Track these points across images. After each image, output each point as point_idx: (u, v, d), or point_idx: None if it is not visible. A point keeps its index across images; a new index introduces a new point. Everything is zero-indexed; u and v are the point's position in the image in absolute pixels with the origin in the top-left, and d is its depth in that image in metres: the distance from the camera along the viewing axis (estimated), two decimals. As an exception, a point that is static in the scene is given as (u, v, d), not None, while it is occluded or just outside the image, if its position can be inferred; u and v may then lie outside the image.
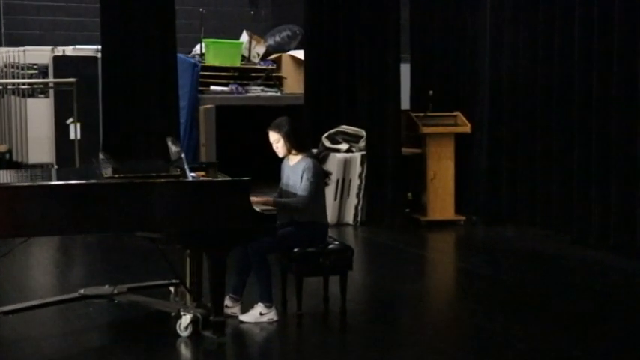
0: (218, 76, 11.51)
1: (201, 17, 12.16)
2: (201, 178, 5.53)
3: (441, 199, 9.41)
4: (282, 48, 12.46)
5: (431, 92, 9.35)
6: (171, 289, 6.14)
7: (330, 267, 5.83)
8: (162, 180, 5.22)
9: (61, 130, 11.26)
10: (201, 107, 11.01)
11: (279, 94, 11.71)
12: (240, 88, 11.55)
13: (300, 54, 12.07)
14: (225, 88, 11.47)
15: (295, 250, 5.79)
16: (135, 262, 7.31)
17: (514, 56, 9.06)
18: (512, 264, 7.94)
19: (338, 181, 9.45)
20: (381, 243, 8.83)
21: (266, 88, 11.74)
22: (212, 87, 11.37)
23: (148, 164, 6.34)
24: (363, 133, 9.61)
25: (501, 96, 9.24)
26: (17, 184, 5.15)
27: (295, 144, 5.92)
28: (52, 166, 11.43)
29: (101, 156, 5.91)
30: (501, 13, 9.19)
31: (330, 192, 9.33)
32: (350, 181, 9.54)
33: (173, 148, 5.88)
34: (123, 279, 6.20)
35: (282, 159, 6.07)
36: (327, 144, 9.66)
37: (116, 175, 5.19)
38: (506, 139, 9.22)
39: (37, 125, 11.32)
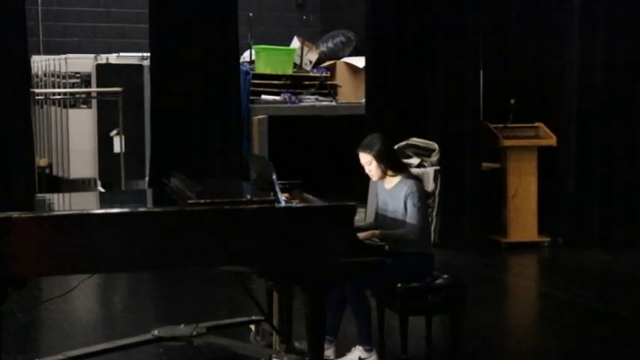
0: (269, 84, 10.79)
1: (249, 22, 11.42)
2: (300, 204, 4.76)
3: (523, 219, 8.61)
4: (335, 55, 11.75)
5: (512, 101, 8.57)
6: (252, 327, 5.39)
7: (440, 305, 5.05)
8: (256, 206, 4.45)
9: (104, 142, 10.54)
10: (254, 118, 10.27)
11: (334, 103, 10.96)
12: (293, 98, 10.81)
13: (355, 61, 11.36)
14: (277, 98, 10.74)
15: (399, 285, 5.01)
16: (212, 298, 6.55)
17: (608, 59, 8.21)
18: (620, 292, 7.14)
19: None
20: (459, 267, 8.03)
21: (320, 98, 11.00)
22: (263, 96, 10.63)
23: (223, 187, 5.57)
24: (436, 146, 8.78)
25: (592, 104, 8.40)
26: (89, 211, 4.39)
27: (391, 164, 5.17)
28: (95, 181, 10.72)
29: (176, 176, 5.17)
30: (593, 8, 8.34)
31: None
32: (422, 198, 8.73)
33: (258, 168, 5.14)
34: (199, 317, 5.43)
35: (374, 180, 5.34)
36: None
37: (202, 201, 4.42)
38: (597, 153, 8.40)
39: (79, 137, 10.60)
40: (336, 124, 11.11)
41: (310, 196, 5.20)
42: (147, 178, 10.33)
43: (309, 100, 10.87)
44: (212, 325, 5.14)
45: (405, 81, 9.11)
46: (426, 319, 5.29)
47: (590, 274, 7.80)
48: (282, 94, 10.77)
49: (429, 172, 8.79)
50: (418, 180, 5.21)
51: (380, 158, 5.14)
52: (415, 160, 8.94)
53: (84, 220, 4.27)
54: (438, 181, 8.69)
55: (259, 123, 10.35)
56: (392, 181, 5.21)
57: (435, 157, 8.95)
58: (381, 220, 5.20)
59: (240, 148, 8.38)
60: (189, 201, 4.41)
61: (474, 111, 8.59)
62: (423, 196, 5.12)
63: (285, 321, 5.05)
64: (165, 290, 7.02)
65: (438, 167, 8.83)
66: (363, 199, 9.16)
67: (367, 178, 9.20)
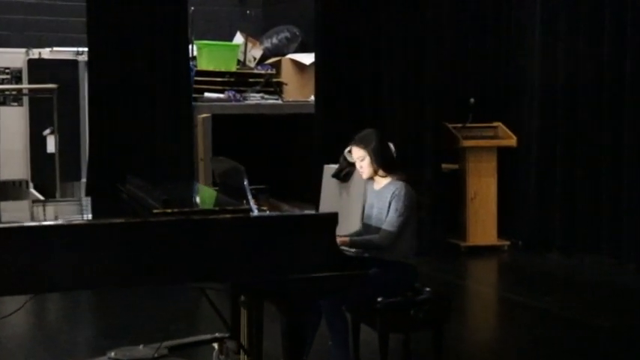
0: (213, 82, 10.29)
1: (190, 17, 10.88)
2: (276, 213, 4.32)
3: (483, 222, 8.32)
4: (280, 51, 11.29)
5: (472, 100, 8.26)
6: (215, 345, 4.94)
7: (423, 320, 4.67)
8: (229, 216, 4.01)
9: (36, 142, 9.92)
10: (198, 117, 9.76)
11: (280, 102, 10.52)
12: (237, 96, 10.33)
13: (302, 57, 10.95)
14: (221, 95, 10.25)
15: (379, 299, 4.61)
16: (166, 312, 6.05)
17: (571, 56, 7.93)
18: (586, 297, 6.88)
19: (365, 201, 8.27)
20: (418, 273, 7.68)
21: (266, 96, 10.55)
22: (206, 94, 10.13)
23: (187, 194, 5.08)
24: (392, 146, 8.45)
25: (554, 103, 8.13)
26: (39, 223, 3.89)
27: (384, 163, 4.77)
28: (27, 183, 10.09)
29: (131, 181, 4.69)
30: (555, 3, 8.05)
31: (357, 212, 8.21)
32: (378, 201, 8.37)
33: (223, 172, 4.69)
34: (155, 334, 4.95)
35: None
36: (351, 159, 8.47)
37: (168, 210, 3.95)
38: (559, 154, 8.12)
39: (10, 137, 9.96)
40: (282, 123, 10.69)
41: (280, 203, 4.79)
42: (83, 180, 9.79)
43: (255, 99, 10.40)
44: (174, 345, 4.67)
45: (358, 79, 8.75)
46: (405, 335, 4.90)
47: (552, 279, 7.56)
48: (226, 92, 10.29)
49: (385, 173, 8.51)
50: (410, 185, 4.80)
51: (375, 155, 4.74)
52: (371, 162, 8.62)
53: (32, 233, 3.77)
54: (395, 183, 8.41)
55: (203, 122, 9.84)
56: (381, 182, 4.83)
57: (391, 159, 8.65)
58: (366, 225, 4.80)
59: (192, 149, 7.87)
60: (155, 211, 3.94)
61: (434, 111, 8.24)
62: (411, 204, 4.72)
63: (255, 338, 4.60)
64: (112, 304, 6.47)
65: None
66: (311, 201, 8.80)
67: (317, 179, 8.94)
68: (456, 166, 8.39)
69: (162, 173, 7.31)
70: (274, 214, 4.24)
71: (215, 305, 4.56)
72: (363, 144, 4.80)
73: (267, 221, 4.07)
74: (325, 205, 8.84)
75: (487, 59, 8.77)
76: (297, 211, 4.31)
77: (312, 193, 8.97)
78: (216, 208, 4.04)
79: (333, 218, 4.15)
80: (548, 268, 7.96)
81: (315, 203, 8.81)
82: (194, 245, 3.93)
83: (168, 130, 7.60)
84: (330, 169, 8.74)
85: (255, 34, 11.76)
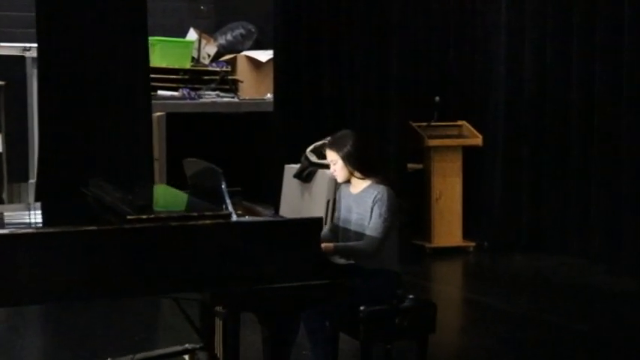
0: (166, 79, 9.99)
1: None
2: (258, 218, 4.07)
3: (448, 222, 8.16)
4: (234, 48, 11.04)
5: (437, 98, 8.09)
6: (186, 357, 4.67)
7: (408, 330, 4.45)
8: (209, 222, 3.75)
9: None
10: (153, 115, 9.43)
11: (237, 99, 10.26)
12: (192, 93, 10.05)
13: (257, 54, 10.71)
14: (175, 93, 9.97)
15: (362, 308, 4.38)
16: (129, 321, 5.69)
17: (538, 51, 7.79)
18: (553, 299, 6.76)
19: (328, 202, 8.05)
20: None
21: (222, 94, 10.28)
22: (160, 92, 9.82)
23: (159, 198, 4.79)
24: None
25: (520, 101, 7.99)
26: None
27: (360, 166, 4.52)
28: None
29: (98, 184, 4.40)
30: (522, 4, 7.93)
31: (319, 214, 7.99)
32: (341, 201, 8.14)
33: (197, 175, 4.43)
34: (124, 346, 4.65)
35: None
36: (313, 159, 8.24)
37: (144, 216, 3.68)
38: (526, 153, 7.99)
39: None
40: (238, 121, 10.42)
41: (254, 206, 4.54)
42: (31, 181, 9.42)
43: (210, 96, 10.15)
44: (145, 358, 4.39)
45: (319, 76, 8.54)
46: (389, 345, 4.66)
47: (518, 280, 7.42)
48: (181, 90, 10.01)
49: (348, 173, 8.29)
50: (391, 187, 4.57)
51: (348, 158, 4.49)
52: (333, 162, 8.40)
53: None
54: (359, 183, 8.20)
55: (157, 121, 9.54)
56: (360, 185, 4.56)
57: (354, 158, 8.43)
58: (343, 230, 4.55)
59: (151, 147, 7.55)
60: (129, 217, 3.67)
61: (398, 109, 8.04)
62: (394, 208, 4.50)
63: (231, 350, 4.34)
64: (71, 313, 6.12)
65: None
66: (270, 202, 8.56)
67: (277, 179, 8.70)
68: (420, 166, 8.21)
69: (119, 175, 6.96)
70: (256, 219, 4.01)
71: (188, 315, 4.29)
72: (335, 147, 4.54)
73: (250, 227, 3.83)
74: (286, 206, 8.60)
75: (451, 56, 8.59)
76: (278, 216, 4.06)
77: (271, 193, 8.74)
78: (195, 214, 3.77)
79: (318, 223, 3.93)
80: (515, 270, 7.83)
81: (275, 204, 8.58)
82: (172, 254, 3.67)
83: (125, 130, 7.24)
84: (291, 169, 8.51)
85: (208, 30, 11.46)
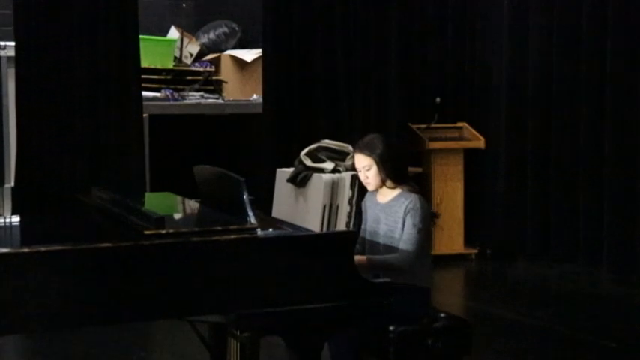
0: (148, 79, 9.55)
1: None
2: (287, 232, 3.69)
3: (449, 228, 7.84)
4: (217, 47, 10.64)
5: (438, 99, 7.78)
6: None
7: (442, 351, 4.11)
8: (233, 237, 3.37)
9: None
10: (137, 117, 9.01)
11: (221, 101, 9.87)
12: (175, 94, 9.64)
13: (242, 54, 10.33)
14: (157, 94, 9.55)
15: (391, 328, 4.03)
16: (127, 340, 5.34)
17: (542, 52, 7.49)
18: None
19: (325, 207, 7.71)
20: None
21: (206, 94, 9.89)
22: (142, 93, 9.41)
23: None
24: (351, 148, 7.88)
25: (523, 102, 7.68)
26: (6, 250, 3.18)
27: (395, 171, 4.18)
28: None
29: (100, 193, 4.00)
30: (525, 4, 7.64)
31: (315, 220, 7.64)
32: (338, 207, 7.78)
33: (210, 184, 4.06)
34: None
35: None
36: (308, 162, 7.87)
37: (163, 231, 3.29)
38: (530, 156, 7.69)
39: None
40: (224, 123, 10.04)
41: (270, 217, 4.19)
42: (7, 185, 8.97)
43: (194, 97, 9.74)
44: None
45: (312, 77, 8.20)
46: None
47: (522, 289, 7.18)
48: (163, 90, 9.58)
49: (344, 177, 7.89)
50: (423, 197, 4.23)
51: (383, 164, 4.14)
52: (329, 165, 8.01)
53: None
54: (356, 188, 7.82)
55: (140, 122, 9.12)
56: (389, 194, 4.21)
57: (350, 162, 8.04)
58: (370, 243, 4.20)
59: (143, 151, 7.14)
60: (146, 232, 3.28)
61: (397, 110, 7.72)
62: (428, 218, 4.16)
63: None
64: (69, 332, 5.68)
65: (354, 172, 7.97)
66: (260, 207, 8.21)
67: (268, 183, 8.34)
68: (420, 170, 7.89)
69: (109, 182, 6.55)
70: (285, 233, 3.62)
71: (204, 338, 3.91)
72: (368, 151, 4.19)
73: (278, 242, 3.46)
74: (279, 213, 8.24)
75: (451, 55, 8.28)
76: (305, 229, 3.70)
77: (261, 198, 8.38)
78: (219, 228, 3.39)
79: (352, 238, 3.58)
80: (519, 278, 7.57)
81: (266, 210, 8.21)
82: (194, 272, 3.30)
83: (114, 132, 6.83)
84: (284, 173, 8.15)
85: (189, 29, 11.07)
